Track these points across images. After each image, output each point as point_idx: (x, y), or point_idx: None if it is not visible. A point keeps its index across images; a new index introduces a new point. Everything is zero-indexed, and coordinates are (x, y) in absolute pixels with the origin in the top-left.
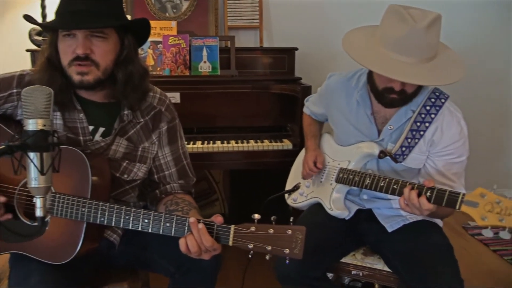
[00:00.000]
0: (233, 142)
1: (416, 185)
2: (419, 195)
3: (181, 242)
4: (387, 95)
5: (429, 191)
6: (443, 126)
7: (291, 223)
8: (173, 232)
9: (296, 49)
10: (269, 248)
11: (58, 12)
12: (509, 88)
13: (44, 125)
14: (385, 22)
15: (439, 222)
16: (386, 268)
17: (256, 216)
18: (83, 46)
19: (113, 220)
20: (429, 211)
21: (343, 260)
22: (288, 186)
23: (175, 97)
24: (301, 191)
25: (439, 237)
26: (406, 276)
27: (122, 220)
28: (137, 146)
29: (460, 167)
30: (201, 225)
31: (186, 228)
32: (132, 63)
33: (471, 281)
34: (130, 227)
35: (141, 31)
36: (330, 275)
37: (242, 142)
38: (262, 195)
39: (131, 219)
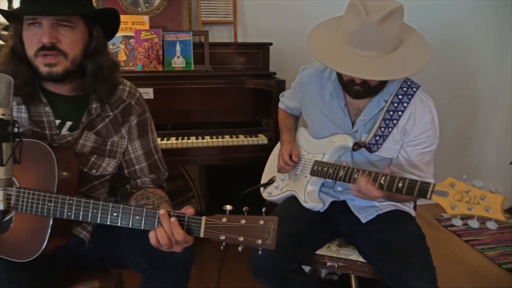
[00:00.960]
0: (208, 137)
1: (373, 173)
2: (375, 180)
3: (151, 235)
4: (351, 87)
5: (382, 179)
6: (415, 114)
7: (263, 214)
8: (143, 225)
9: (270, 44)
10: (241, 239)
11: (23, 1)
12: (480, 81)
13: (3, 114)
14: (345, 15)
15: (411, 211)
16: (361, 259)
17: (228, 207)
18: (49, 35)
19: (81, 214)
20: (375, 198)
21: (318, 252)
22: (264, 180)
23: (148, 92)
24: (276, 184)
25: (412, 227)
26: (380, 266)
27: (90, 214)
28: (106, 140)
29: (431, 155)
30: (173, 219)
31: (156, 220)
32: (101, 55)
33: (445, 271)
34: (98, 221)
35: (110, 22)
36: (306, 268)
37: (217, 138)
38: (239, 191)
39: (99, 213)
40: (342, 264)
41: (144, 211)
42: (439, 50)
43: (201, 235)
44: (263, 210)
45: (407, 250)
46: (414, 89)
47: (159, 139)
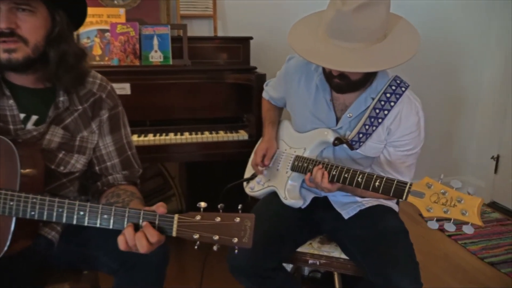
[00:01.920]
0: (187, 134)
1: (329, 165)
2: (329, 173)
3: (120, 240)
4: (331, 80)
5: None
6: (401, 115)
7: (240, 211)
8: (111, 225)
9: (251, 38)
10: (216, 237)
11: None
12: (462, 78)
13: None
14: (327, 6)
15: (394, 207)
16: (343, 256)
17: (202, 204)
18: (7, 20)
19: (45, 213)
20: (328, 190)
21: (299, 249)
22: (247, 175)
23: (125, 88)
24: (258, 179)
25: (395, 222)
26: (362, 262)
27: (54, 214)
28: (74, 135)
29: (414, 158)
30: (144, 223)
31: (126, 220)
32: (65, 42)
33: (428, 267)
34: (64, 221)
35: (75, 7)
36: (288, 267)
37: (197, 134)
38: (221, 188)
39: (65, 212)
40: (324, 261)
41: (113, 210)
42: (422, 48)
43: (174, 234)
44: (239, 207)
45: (390, 246)
46: (403, 89)
47: (135, 136)
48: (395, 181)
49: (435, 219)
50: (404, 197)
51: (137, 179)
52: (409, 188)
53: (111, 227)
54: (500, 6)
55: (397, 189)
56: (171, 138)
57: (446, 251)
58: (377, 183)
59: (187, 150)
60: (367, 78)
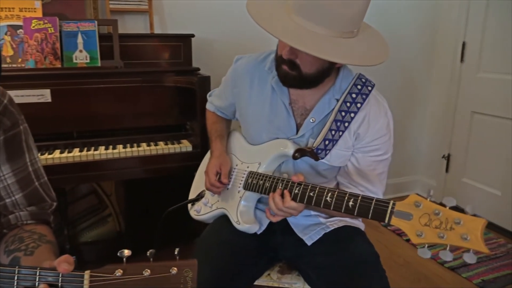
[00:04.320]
0: (120, 147)
1: (289, 183)
2: (290, 192)
3: None
4: (280, 66)
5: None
6: (369, 117)
7: (177, 257)
8: None
9: (193, 35)
10: None
11: None
12: (414, 76)
13: None
14: None
15: (361, 225)
16: (307, 287)
17: (126, 252)
18: None
19: None
20: (296, 211)
21: (256, 282)
22: (192, 195)
23: (44, 95)
24: (205, 200)
25: (364, 245)
26: None
27: None
28: None
29: (385, 166)
30: (42, 286)
31: (15, 284)
32: None
33: (389, 275)
34: None
35: None
36: None
37: (132, 147)
38: (164, 207)
39: None
40: None
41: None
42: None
43: None
44: (176, 253)
45: (361, 275)
46: (369, 88)
47: (57, 151)
48: (374, 200)
49: (426, 246)
50: (386, 219)
51: (49, 216)
52: (393, 208)
53: None
54: (445, 13)
55: (377, 210)
56: (101, 152)
57: (406, 257)
58: (350, 203)
59: (121, 166)
60: (320, 78)
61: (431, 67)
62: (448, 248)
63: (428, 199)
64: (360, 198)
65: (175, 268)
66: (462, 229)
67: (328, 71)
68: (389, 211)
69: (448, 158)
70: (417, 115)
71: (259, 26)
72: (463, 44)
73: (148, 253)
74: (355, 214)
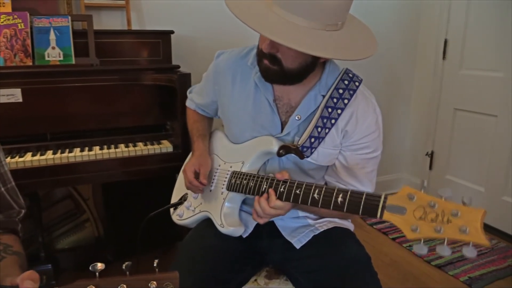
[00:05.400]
0: (97, 148)
1: (274, 181)
2: (275, 190)
3: None
4: (261, 60)
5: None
6: (357, 114)
7: (156, 270)
8: None
9: (172, 32)
10: None
11: None
12: (397, 73)
13: None
14: None
15: (350, 226)
16: None
17: (99, 266)
18: None
19: None
20: (284, 211)
21: None
22: (174, 199)
23: (14, 94)
24: (187, 203)
25: (355, 247)
26: None
27: None
28: None
29: (375, 163)
30: None
31: None
32: None
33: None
34: None
35: None
36: None
37: (109, 148)
38: (145, 210)
39: None
40: None
41: None
42: None
43: None
44: (155, 265)
45: (353, 278)
46: (357, 83)
47: (29, 154)
48: (364, 194)
49: (422, 241)
50: (378, 214)
51: (17, 224)
52: (384, 202)
53: None
54: (427, 10)
55: (368, 205)
56: (76, 155)
57: (392, 256)
58: (339, 199)
59: (98, 169)
60: (304, 73)
61: (414, 65)
62: (445, 242)
63: (422, 191)
64: (349, 193)
65: (154, 282)
66: (460, 221)
67: (312, 65)
68: (380, 206)
69: (431, 155)
70: (400, 113)
71: (240, 22)
72: (445, 41)
73: (124, 266)
74: (344, 211)
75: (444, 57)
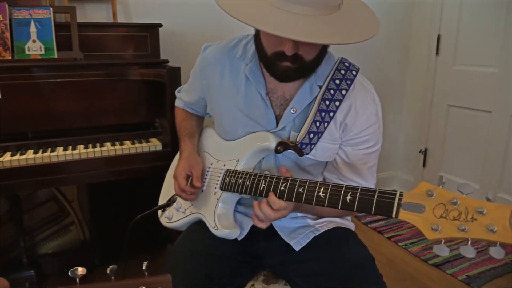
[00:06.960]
0: (81, 147)
1: (274, 180)
2: (275, 191)
3: None
4: (279, 64)
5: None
6: (356, 105)
7: (146, 272)
8: None
9: (160, 25)
10: None
11: None
12: (389, 74)
13: None
14: None
15: (351, 225)
16: None
17: (80, 270)
18: None
19: None
20: (287, 211)
21: None
22: (162, 200)
23: None
24: (177, 205)
25: (357, 248)
26: None
27: None
28: None
29: (376, 157)
30: None
31: None
32: None
33: None
34: None
35: None
36: None
37: (95, 147)
38: (132, 211)
39: None
40: None
41: None
42: (352, 47)
43: None
44: (144, 267)
45: (357, 281)
46: (354, 73)
47: (8, 153)
48: (376, 192)
49: (442, 241)
50: (394, 213)
51: None
52: (400, 200)
53: None
54: (420, 5)
55: (382, 204)
56: (58, 154)
57: (389, 255)
58: (348, 198)
59: (83, 169)
60: (321, 59)
61: (407, 61)
62: (469, 242)
63: (441, 187)
64: (359, 190)
65: (144, 287)
66: (486, 219)
67: (325, 49)
68: (396, 204)
69: (425, 152)
70: (393, 110)
71: (231, 15)
72: (438, 37)
73: (108, 270)
74: (355, 210)
75: (437, 53)
